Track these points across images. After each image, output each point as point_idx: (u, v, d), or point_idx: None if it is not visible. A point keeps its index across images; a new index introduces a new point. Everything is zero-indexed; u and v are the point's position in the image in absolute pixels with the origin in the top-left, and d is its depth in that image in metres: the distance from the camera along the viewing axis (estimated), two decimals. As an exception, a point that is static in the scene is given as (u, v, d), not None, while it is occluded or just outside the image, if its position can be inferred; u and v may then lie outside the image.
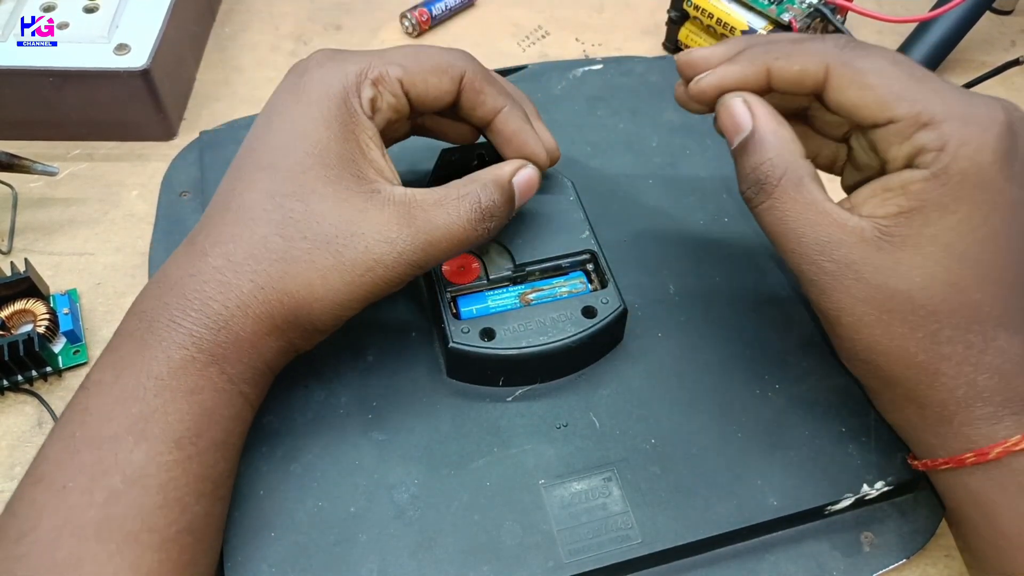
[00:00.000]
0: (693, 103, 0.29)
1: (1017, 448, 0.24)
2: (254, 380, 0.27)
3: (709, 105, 0.28)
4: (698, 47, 0.29)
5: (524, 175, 0.29)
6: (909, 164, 0.25)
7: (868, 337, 0.25)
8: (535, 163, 0.31)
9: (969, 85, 0.42)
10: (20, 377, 0.33)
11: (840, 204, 0.26)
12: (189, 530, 0.24)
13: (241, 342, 0.26)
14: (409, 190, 0.27)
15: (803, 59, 0.26)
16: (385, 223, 0.26)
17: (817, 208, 0.25)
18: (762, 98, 0.27)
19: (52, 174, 0.38)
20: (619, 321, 0.31)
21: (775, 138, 0.26)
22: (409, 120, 0.33)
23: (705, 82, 0.28)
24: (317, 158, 0.26)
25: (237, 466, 0.27)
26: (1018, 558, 0.25)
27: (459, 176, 0.35)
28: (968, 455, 0.25)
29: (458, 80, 0.29)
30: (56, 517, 0.23)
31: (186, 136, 0.44)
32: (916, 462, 0.28)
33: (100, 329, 0.36)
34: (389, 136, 0.32)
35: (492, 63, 0.49)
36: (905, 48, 0.48)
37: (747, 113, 0.26)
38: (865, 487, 0.29)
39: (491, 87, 0.30)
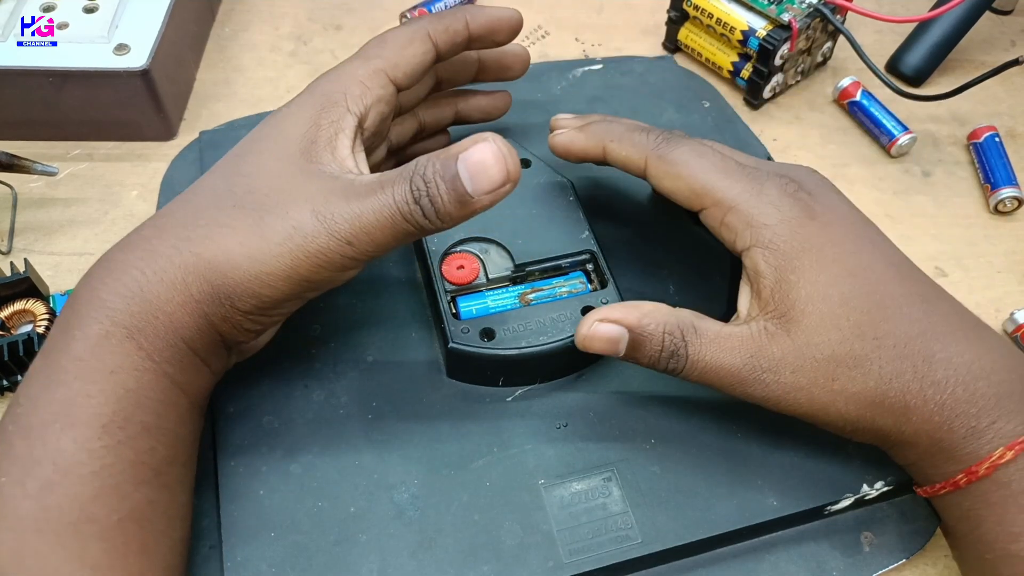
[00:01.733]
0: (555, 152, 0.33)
1: (1002, 461, 0.25)
2: (178, 361, 0.25)
3: (564, 157, 0.33)
4: (563, 115, 0.35)
5: (474, 153, 0.24)
6: (735, 245, 0.28)
7: (837, 412, 0.26)
8: (511, 25, 0.32)
9: (969, 85, 0.42)
10: (20, 377, 0.33)
11: (733, 323, 0.28)
12: (132, 518, 0.23)
13: (155, 312, 0.25)
14: (361, 175, 0.26)
15: (628, 148, 0.31)
16: (315, 194, 0.25)
17: (724, 337, 0.27)
18: (611, 305, 0.28)
19: (52, 174, 0.38)
20: (619, 321, 0.31)
21: (650, 318, 0.27)
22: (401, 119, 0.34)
23: (557, 139, 0.33)
24: (276, 140, 0.27)
25: (186, 455, 0.26)
26: (1001, 569, 0.25)
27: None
28: (960, 476, 0.26)
29: (427, 37, 0.30)
30: None
31: (186, 136, 0.44)
32: (919, 490, 0.28)
33: (100, 329, 0.36)
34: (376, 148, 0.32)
35: (492, 63, 0.49)
36: (905, 48, 0.48)
37: (612, 326, 0.27)
38: (865, 487, 0.29)
39: (450, 19, 0.31)
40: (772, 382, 0.26)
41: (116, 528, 0.23)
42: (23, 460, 0.23)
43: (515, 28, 0.33)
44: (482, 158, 0.24)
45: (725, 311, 0.34)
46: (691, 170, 0.29)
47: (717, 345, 0.27)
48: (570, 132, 0.33)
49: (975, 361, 0.26)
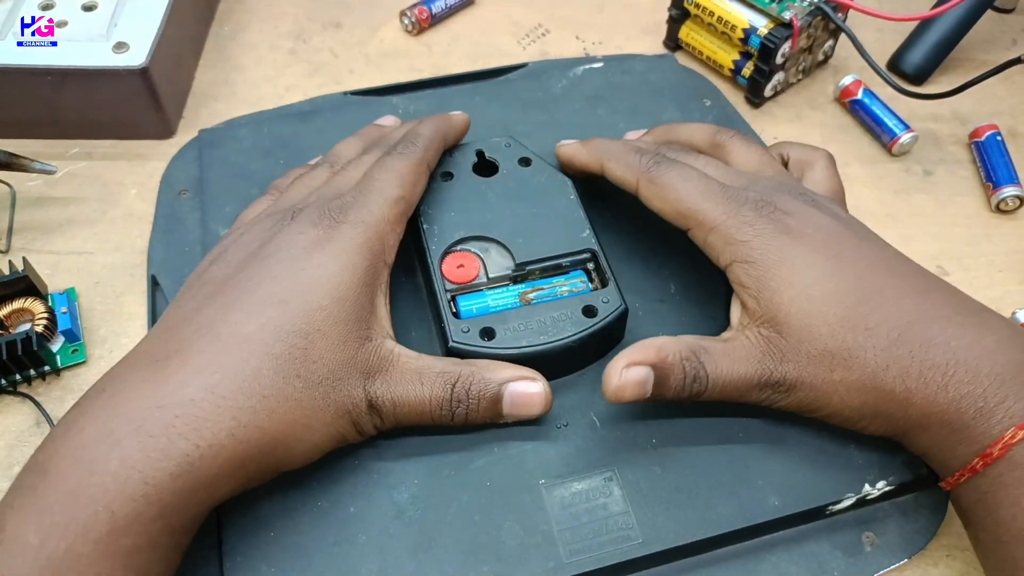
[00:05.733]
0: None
1: (1014, 441, 0.25)
2: (193, 528, 0.24)
3: (567, 167, 0.36)
4: (567, 142, 0.37)
5: (521, 387, 0.29)
6: (719, 262, 0.30)
7: (840, 401, 0.27)
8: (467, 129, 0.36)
9: (970, 84, 0.42)
10: (18, 376, 0.33)
11: (728, 336, 0.29)
12: None
13: (198, 489, 0.23)
14: (398, 347, 0.28)
15: (622, 169, 0.33)
16: (368, 372, 0.27)
17: (732, 349, 0.28)
18: (627, 351, 0.28)
19: (51, 173, 0.38)
20: (620, 320, 0.31)
21: (666, 350, 0.28)
22: None
23: (562, 151, 0.37)
24: (336, 301, 0.27)
25: None
26: (1017, 549, 0.25)
27: (459, 170, 0.35)
28: (977, 460, 0.25)
29: (427, 170, 0.33)
30: None
31: (185, 135, 0.43)
32: (943, 483, 0.28)
33: (98, 328, 0.36)
34: None
35: (492, 61, 0.49)
36: (906, 46, 0.48)
37: (640, 368, 0.27)
38: (866, 487, 0.29)
39: (438, 145, 0.34)
40: (779, 382, 0.28)
41: None
42: None
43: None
44: (529, 397, 0.29)
45: (726, 311, 0.34)
46: (676, 194, 0.31)
47: (729, 358, 0.28)
48: (575, 145, 0.36)
49: (975, 343, 0.26)
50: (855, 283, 0.27)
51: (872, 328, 0.26)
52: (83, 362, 0.34)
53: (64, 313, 0.35)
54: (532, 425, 0.30)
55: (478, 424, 0.29)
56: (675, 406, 0.31)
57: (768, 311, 0.28)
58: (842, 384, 0.27)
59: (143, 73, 0.40)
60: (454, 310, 0.31)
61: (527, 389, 0.29)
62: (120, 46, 0.41)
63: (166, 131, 0.43)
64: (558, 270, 0.33)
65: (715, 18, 0.45)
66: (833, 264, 0.28)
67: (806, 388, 0.27)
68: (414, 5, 0.50)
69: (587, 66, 0.45)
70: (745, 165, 0.33)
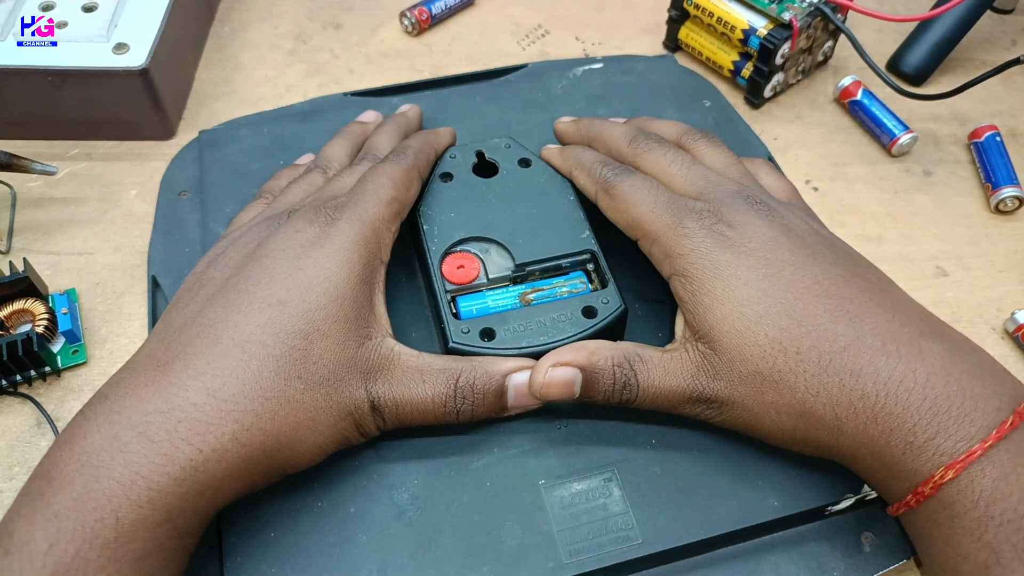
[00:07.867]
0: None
1: (944, 481, 0.24)
2: (200, 530, 0.25)
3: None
4: (564, 119, 0.39)
5: (524, 377, 0.28)
6: (661, 273, 0.30)
7: (772, 423, 0.27)
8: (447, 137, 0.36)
9: (970, 84, 0.42)
10: (19, 377, 0.33)
11: (670, 348, 0.29)
12: None
13: (204, 492, 0.23)
14: (398, 346, 0.28)
15: (584, 179, 0.34)
16: (369, 371, 0.27)
17: (667, 361, 0.28)
18: (559, 350, 0.29)
19: (51, 173, 0.38)
20: (619, 321, 0.31)
21: (598, 355, 0.28)
22: None
23: (544, 153, 0.36)
24: (334, 299, 0.27)
25: None
26: None
27: (459, 171, 0.35)
28: (910, 497, 0.25)
29: (419, 176, 0.33)
30: None
31: (185, 135, 0.43)
32: (888, 510, 0.27)
33: (99, 329, 0.36)
34: None
35: (491, 62, 0.49)
36: (906, 47, 0.48)
37: (566, 369, 0.28)
38: (866, 487, 0.29)
39: (428, 153, 0.35)
40: (711, 399, 0.28)
41: None
42: None
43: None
44: (533, 385, 0.28)
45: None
46: (626, 205, 0.31)
47: (663, 369, 0.28)
48: (554, 150, 0.36)
49: (908, 374, 0.25)
50: (790, 304, 0.27)
51: (803, 352, 0.26)
52: (84, 363, 0.34)
53: (65, 314, 0.35)
54: (532, 425, 0.30)
55: (481, 420, 0.29)
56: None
57: (702, 327, 0.28)
58: (773, 407, 0.26)
59: (143, 74, 0.40)
60: (454, 311, 0.31)
61: (526, 378, 0.29)
62: (120, 47, 0.41)
63: (166, 131, 0.43)
64: (558, 271, 0.33)
65: (715, 19, 0.45)
66: (769, 284, 0.27)
67: (738, 408, 0.27)
68: (414, 5, 0.50)
69: (587, 67, 0.45)
70: (711, 165, 0.33)
